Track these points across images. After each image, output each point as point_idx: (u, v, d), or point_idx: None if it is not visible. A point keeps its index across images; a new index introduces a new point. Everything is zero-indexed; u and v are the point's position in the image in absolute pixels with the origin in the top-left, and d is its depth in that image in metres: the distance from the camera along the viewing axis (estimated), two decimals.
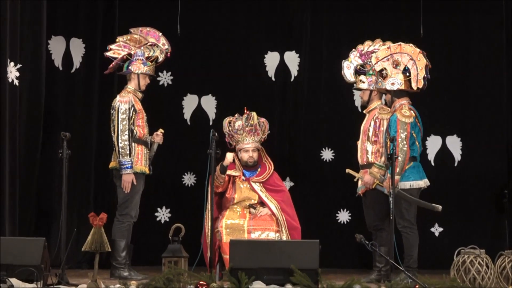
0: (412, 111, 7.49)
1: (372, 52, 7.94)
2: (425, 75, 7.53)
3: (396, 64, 7.51)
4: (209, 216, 7.38)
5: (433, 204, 7.49)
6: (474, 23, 9.52)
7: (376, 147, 7.74)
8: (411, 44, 7.62)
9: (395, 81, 7.49)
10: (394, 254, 6.91)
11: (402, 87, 7.52)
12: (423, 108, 9.12)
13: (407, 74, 7.54)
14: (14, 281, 6.04)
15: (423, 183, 7.55)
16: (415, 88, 7.53)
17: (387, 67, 7.54)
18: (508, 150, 9.40)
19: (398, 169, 7.26)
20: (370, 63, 7.73)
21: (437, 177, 9.26)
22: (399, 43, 7.66)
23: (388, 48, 7.63)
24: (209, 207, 7.46)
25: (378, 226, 7.74)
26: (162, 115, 9.11)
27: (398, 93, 7.55)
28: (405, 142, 7.33)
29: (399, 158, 7.26)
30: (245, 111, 7.89)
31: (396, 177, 7.26)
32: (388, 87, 7.51)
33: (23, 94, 8.21)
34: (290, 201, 7.90)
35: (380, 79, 7.54)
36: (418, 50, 7.56)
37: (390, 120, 7.46)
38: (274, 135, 8.73)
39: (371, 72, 7.78)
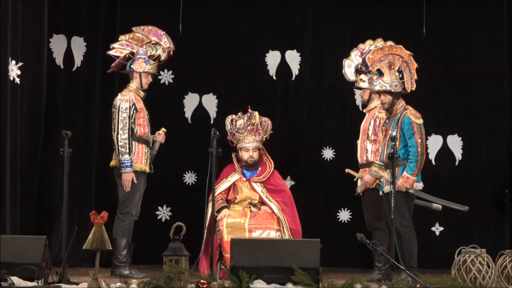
0: (418, 113, 7.46)
1: None
2: (416, 78, 7.53)
3: (391, 66, 7.47)
4: (210, 212, 7.40)
5: (459, 205, 7.51)
6: (476, 23, 9.52)
7: (375, 146, 7.74)
8: (401, 46, 7.58)
9: (397, 83, 7.44)
10: (395, 254, 6.90)
11: (402, 89, 7.49)
12: (424, 107, 9.15)
13: (400, 76, 7.49)
14: (15, 279, 6.05)
15: (421, 185, 7.54)
16: (408, 90, 7.49)
17: (381, 68, 7.49)
18: (509, 149, 9.40)
19: (416, 171, 7.24)
20: (364, 63, 7.69)
21: (437, 176, 9.30)
22: (389, 44, 7.62)
23: (381, 48, 7.56)
24: (210, 205, 7.49)
25: (375, 225, 7.74)
26: (163, 113, 9.10)
27: (398, 95, 7.51)
28: (423, 144, 7.31)
29: (419, 159, 7.23)
30: (249, 110, 7.89)
31: (414, 178, 7.24)
32: (393, 89, 7.43)
33: (24, 92, 8.21)
34: (291, 201, 7.90)
35: (379, 81, 7.47)
36: (408, 52, 7.53)
37: (403, 122, 7.36)
38: (275, 134, 8.72)
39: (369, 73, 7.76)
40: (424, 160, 7.31)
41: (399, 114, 7.40)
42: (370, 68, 7.48)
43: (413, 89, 7.50)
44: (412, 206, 7.41)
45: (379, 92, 7.50)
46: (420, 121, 7.36)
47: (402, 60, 7.48)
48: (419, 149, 7.25)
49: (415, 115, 7.37)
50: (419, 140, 7.28)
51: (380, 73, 7.45)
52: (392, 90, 7.42)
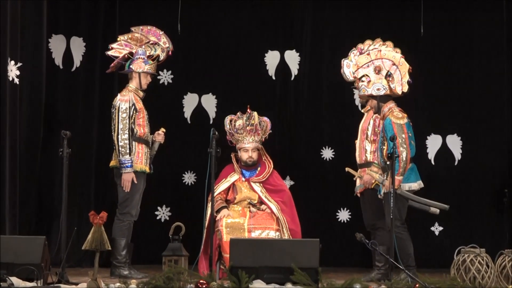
0: (403, 113, 7.49)
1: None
2: (409, 79, 7.56)
3: (378, 70, 7.55)
4: (209, 212, 7.39)
5: (441, 204, 7.48)
6: (475, 22, 9.52)
7: (374, 146, 7.75)
8: (391, 50, 7.64)
9: (380, 86, 7.51)
10: (394, 253, 6.90)
11: (388, 92, 7.53)
12: (423, 107, 9.15)
13: (390, 79, 7.55)
14: (14, 279, 6.05)
15: (417, 185, 7.54)
16: (399, 92, 7.54)
17: (368, 73, 7.56)
18: (509, 149, 9.40)
19: (401, 170, 7.25)
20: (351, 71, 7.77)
21: (437, 176, 9.30)
22: (378, 49, 7.68)
23: (368, 54, 7.66)
24: (209, 205, 7.49)
25: (376, 225, 7.75)
26: (162, 114, 9.11)
27: (384, 98, 7.55)
28: (404, 144, 7.31)
29: (401, 158, 7.24)
30: (248, 110, 7.89)
31: (399, 178, 7.25)
32: (374, 93, 7.52)
33: (23, 92, 8.21)
34: (291, 201, 7.89)
35: (362, 85, 7.56)
36: (399, 54, 7.59)
37: (385, 125, 7.44)
38: (274, 134, 8.72)
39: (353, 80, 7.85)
40: (408, 160, 7.32)
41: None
42: (354, 75, 7.60)
43: (404, 91, 7.56)
44: (405, 207, 7.42)
45: (363, 98, 7.62)
46: (402, 121, 7.39)
47: (392, 64, 7.54)
48: (400, 149, 7.26)
49: (396, 116, 7.41)
50: (400, 140, 7.29)
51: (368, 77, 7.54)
52: (374, 94, 7.48)
